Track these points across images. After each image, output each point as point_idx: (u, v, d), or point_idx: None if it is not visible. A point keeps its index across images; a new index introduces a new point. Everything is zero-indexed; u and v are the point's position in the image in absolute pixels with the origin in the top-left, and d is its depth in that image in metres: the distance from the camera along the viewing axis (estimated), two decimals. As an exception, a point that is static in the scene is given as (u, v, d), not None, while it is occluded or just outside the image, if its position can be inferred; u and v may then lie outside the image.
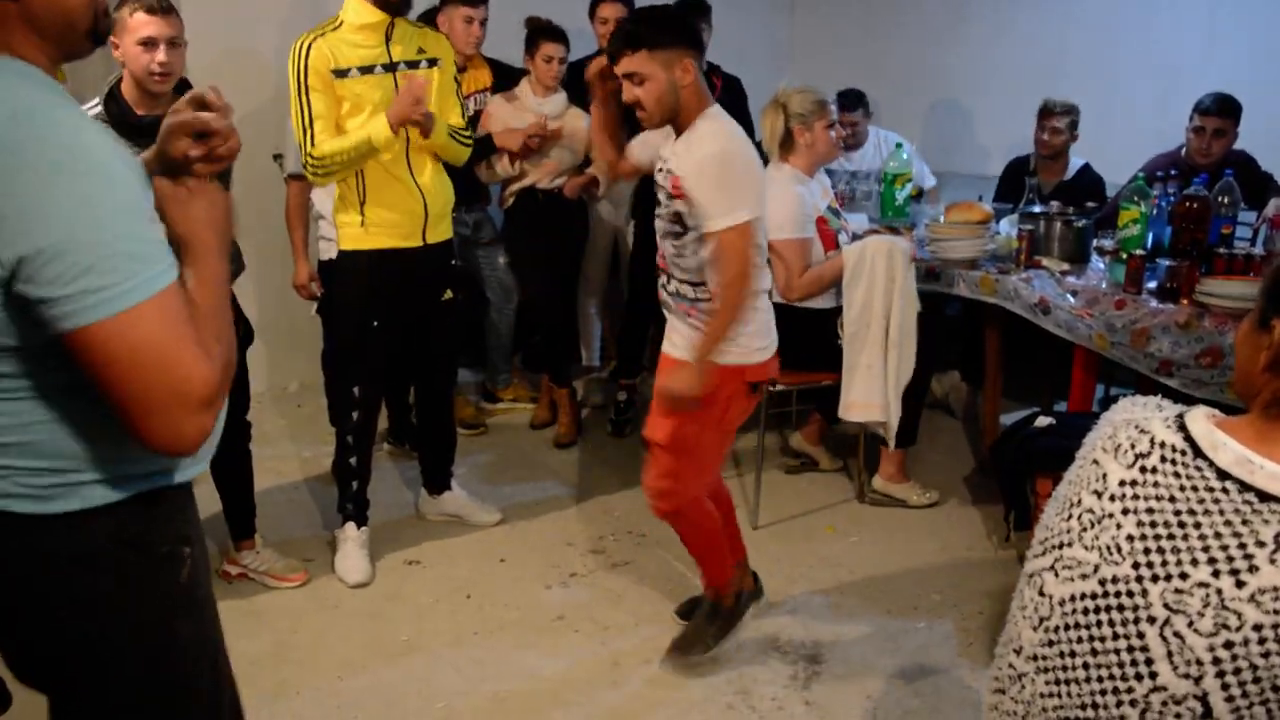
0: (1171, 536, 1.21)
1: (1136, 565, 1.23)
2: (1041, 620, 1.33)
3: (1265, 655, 1.13)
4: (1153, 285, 3.32)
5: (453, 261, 3.55)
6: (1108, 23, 5.18)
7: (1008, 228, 4.01)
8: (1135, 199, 3.66)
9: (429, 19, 3.96)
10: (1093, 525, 1.29)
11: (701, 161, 2.52)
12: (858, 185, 4.88)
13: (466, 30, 4.03)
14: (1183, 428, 1.26)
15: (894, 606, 3.21)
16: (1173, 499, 1.23)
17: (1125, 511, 1.26)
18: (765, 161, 3.22)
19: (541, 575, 3.39)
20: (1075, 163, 4.60)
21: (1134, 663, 1.22)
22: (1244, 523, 1.17)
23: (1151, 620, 1.21)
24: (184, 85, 2.93)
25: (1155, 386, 3.07)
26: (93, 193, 1.18)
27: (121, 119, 2.78)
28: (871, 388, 3.62)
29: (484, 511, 3.73)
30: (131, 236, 1.21)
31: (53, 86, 1.27)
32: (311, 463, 4.22)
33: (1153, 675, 1.21)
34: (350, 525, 3.41)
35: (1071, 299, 3.38)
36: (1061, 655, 1.30)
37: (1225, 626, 1.15)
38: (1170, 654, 1.19)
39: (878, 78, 5.45)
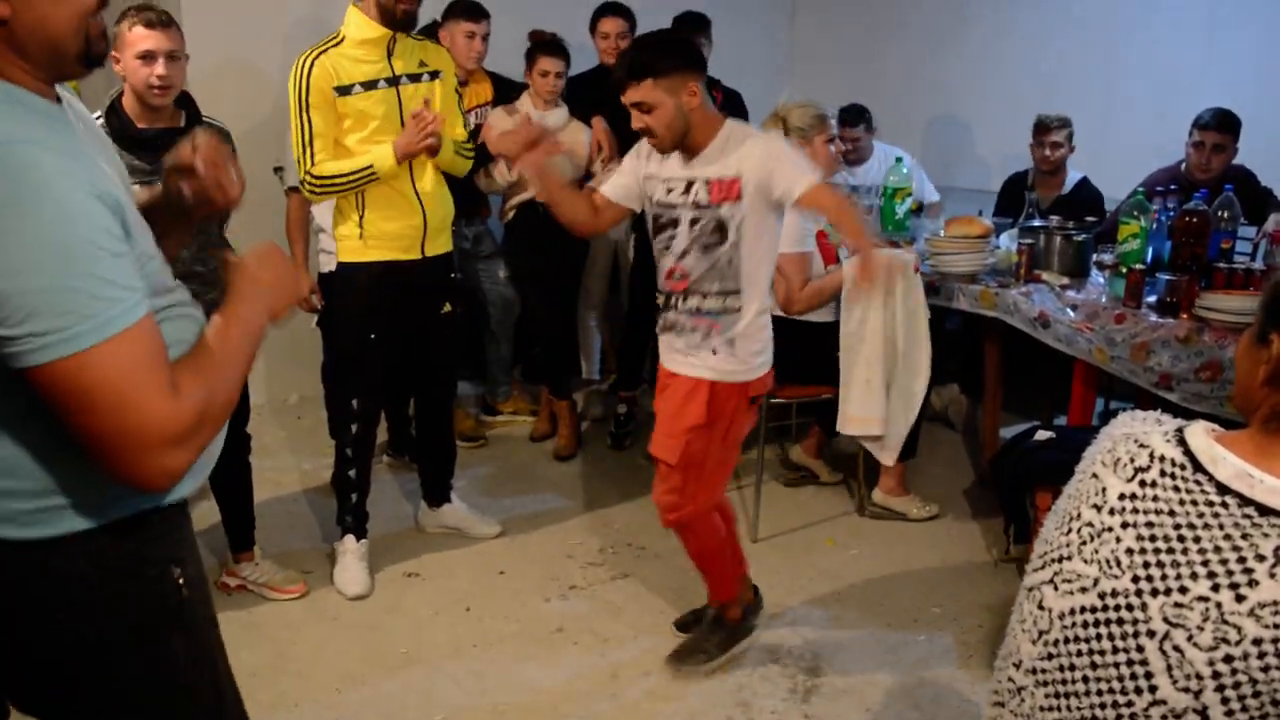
0: (1171, 550, 1.21)
1: (1136, 579, 1.23)
2: (1041, 634, 1.33)
3: (1265, 669, 1.13)
4: (1152, 299, 3.32)
5: (452, 274, 3.55)
6: (1107, 38, 5.19)
7: (1007, 242, 4.01)
8: (1135, 214, 3.66)
9: (430, 33, 3.98)
10: (1092, 539, 1.29)
11: (767, 147, 2.63)
12: (859, 200, 4.88)
13: (468, 45, 4.05)
14: (1182, 442, 1.26)
15: (894, 619, 3.20)
16: (1172, 513, 1.23)
17: (1125, 525, 1.26)
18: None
19: (541, 587, 3.38)
20: (1073, 176, 4.61)
21: (1133, 676, 1.22)
22: (1244, 537, 1.17)
23: (1151, 634, 1.21)
24: (185, 98, 2.94)
25: (1155, 401, 3.07)
26: (43, 233, 1.14)
27: (122, 132, 2.80)
28: (869, 402, 3.63)
29: (483, 524, 3.72)
30: (88, 275, 1.16)
31: (30, 112, 1.23)
32: (311, 475, 4.21)
33: (1152, 689, 1.21)
34: (349, 537, 3.40)
35: (1071, 313, 3.39)
36: (1061, 669, 1.30)
37: (1225, 640, 1.15)
38: (1170, 668, 1.19)
39: (878, 92, 5.46)
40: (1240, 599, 1.15)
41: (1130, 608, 1.23)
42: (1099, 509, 1.30)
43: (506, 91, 4.32)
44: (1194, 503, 1.22)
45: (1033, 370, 4.22)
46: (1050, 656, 1.32)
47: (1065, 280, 3.64)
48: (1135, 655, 1.22)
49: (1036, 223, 4.00)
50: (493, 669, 2.95)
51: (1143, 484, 1.26)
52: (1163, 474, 1.25)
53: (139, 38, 2.76)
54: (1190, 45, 4.93)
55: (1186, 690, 1.18)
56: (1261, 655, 1.13)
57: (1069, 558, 1.31)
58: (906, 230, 4.38)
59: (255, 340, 1.40)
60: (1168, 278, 3.27)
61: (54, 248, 1.15)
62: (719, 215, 2.63)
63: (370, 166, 3.09)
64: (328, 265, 3.78)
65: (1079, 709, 1.28)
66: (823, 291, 3.63)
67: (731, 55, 5.14)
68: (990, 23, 5.67)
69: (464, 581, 3.41)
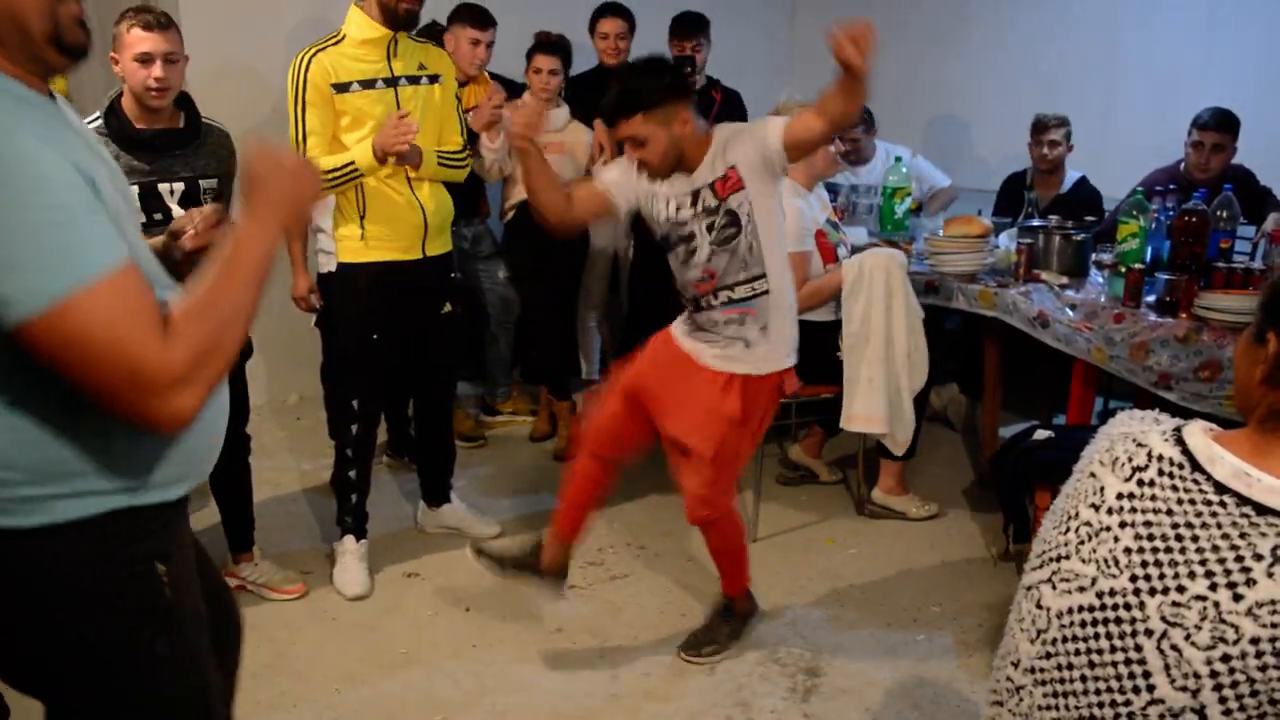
0: (1169, 550, 1.22)
1: (1134, 578, 1.23)
2: (1039, 633, 1.33)
3: (1263, 669, 1.13)
4: (1151, 299, 3.32)
5: (452, 274, 3.55)
6: (1107, 38, 5.19)
7: (1007, 241, 4.02)
8: (1134, 213, 3.66)
9: (433, 34, 3.97)
10: (1090, 538, 1.29)
11: (739, 129, 2.70)
12: (859, 199, 4.87)
13: (472, 52, 4.04)
14: (1180, 441, 1.26)
15: (893, 619, 3.20)
16: (1170, 512, 1.23)
17: (1123, 524, 1.26)
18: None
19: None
20: (1071, 175, 4.61)
21: (1131, 675, 1.22)
22: (1241, 536, 1.17)
23: (1149, 633, 1.21)
24: (185, 99, 2.94)
25: (1154, 400, 3.08)
26: (13, 197, 1.16)
27: (121, 132, 2.81)
28: (873, 401, 3.63)
29: (483, 524, 3.72)
30: (58, 225, 1.18)
31: (4, 96, 1.24)
32: (310, 475, 4.21)
33: (1150, 688, 1.21)
34: (349, 538, 3.40)
35: (1070, 312, 3.39)
36: (1059, 668, 1.30)
37: (1223, 640, 1.15)
38: (1168, 667, 1.19)
39: (878, 92, 5.37)
40: (1238, 598, 1.15)
41: (1128, 607, 1.23)
42: (1097, 508, 1.30)
43: (508, 92, 4.31)
44: (1192, 502, 1.22)
45: (1032, 370, 4.22)
46: (1048, 655, 1.32)
47: (1064, 280, 3.64)
48: (1133, 654, 1.22)
49: (1035, 222, 4.00)
50: (492, 669, 2.95)
51: (1141, 483, 1.26)
52: (1161, 473, 1.25)
53: (137, 39, 2.76)
54: (1190, 45, 4.93)
55: (1184, 689, 1.18)
56: (1259, 654, 1.13)
57: (1067, 557, 1.32)
58: (906, 230, 4.38)
59: (267, 259, 1.39)
60: (1167, 277, 3.27)
61: (24, 212, 1.16)
62: (729, 208, 2.68)
63: (352, 163, 3.09)
64: (326, 265, 3.77)
65: (1077, 708, 1.28)
66: (821, 291, 3.64)
67: (731, 55, 5.14)
68: (990, 23, 5.67)
69: (463, 581, 3.41)
